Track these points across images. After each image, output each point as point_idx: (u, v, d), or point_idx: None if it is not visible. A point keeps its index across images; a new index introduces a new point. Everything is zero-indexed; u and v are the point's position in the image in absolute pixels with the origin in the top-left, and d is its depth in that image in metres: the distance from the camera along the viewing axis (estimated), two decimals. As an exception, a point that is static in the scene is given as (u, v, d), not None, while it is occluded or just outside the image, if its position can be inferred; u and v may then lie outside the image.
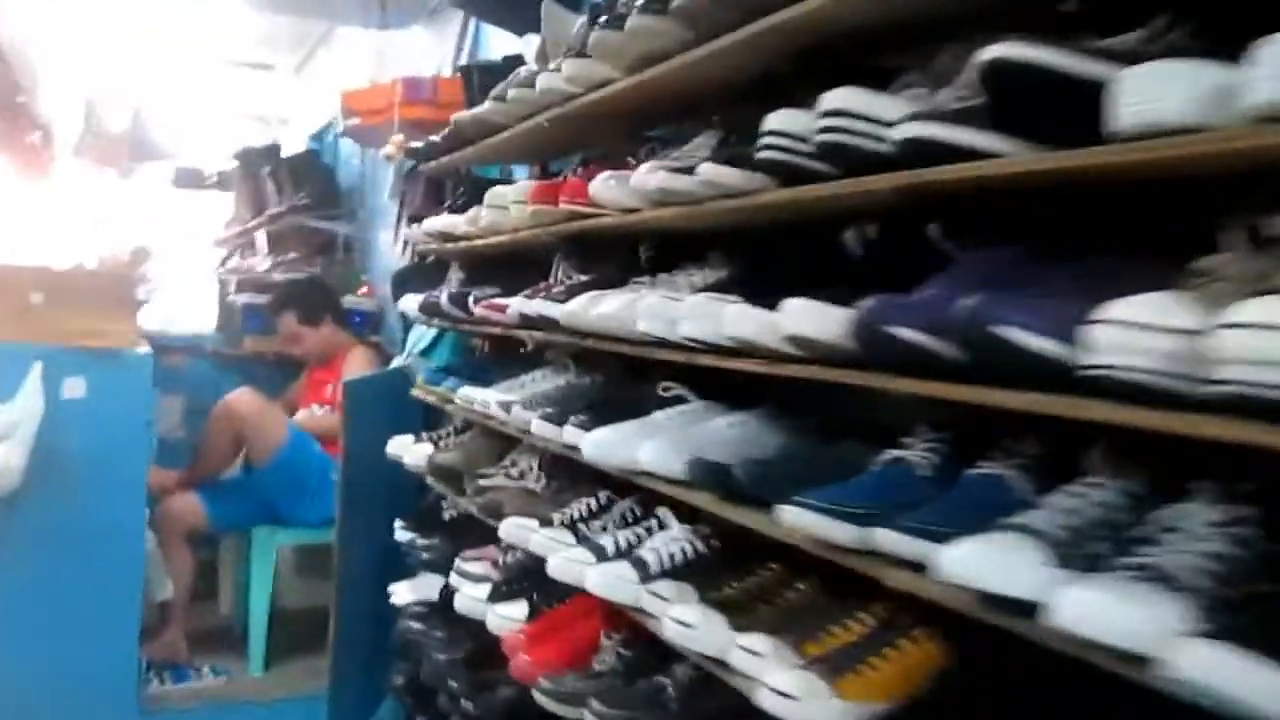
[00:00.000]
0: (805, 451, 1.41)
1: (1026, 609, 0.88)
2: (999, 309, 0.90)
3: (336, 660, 3.07)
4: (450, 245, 2.62)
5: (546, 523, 1.92)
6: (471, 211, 2.42)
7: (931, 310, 0.99)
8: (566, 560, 1.71)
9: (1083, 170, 0.92)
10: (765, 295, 1.34)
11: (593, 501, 1.98)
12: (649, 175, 1.51)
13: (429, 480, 2.67)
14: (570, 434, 1.73)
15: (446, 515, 2.77)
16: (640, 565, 1.61)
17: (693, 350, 1.47)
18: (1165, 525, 0.91)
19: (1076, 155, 0.89)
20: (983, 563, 0.90)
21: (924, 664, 1.20)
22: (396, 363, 3.72)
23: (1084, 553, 0.91)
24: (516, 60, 2.50)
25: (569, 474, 2.22)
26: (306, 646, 3.63)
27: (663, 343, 1.51)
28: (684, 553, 1.63)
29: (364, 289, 4.72)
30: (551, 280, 2.14)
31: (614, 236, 1.93)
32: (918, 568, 1.04)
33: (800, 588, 1.46)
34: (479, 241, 2.39)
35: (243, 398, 3.61)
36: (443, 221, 2.54)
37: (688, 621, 1.39)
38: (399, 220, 3.87)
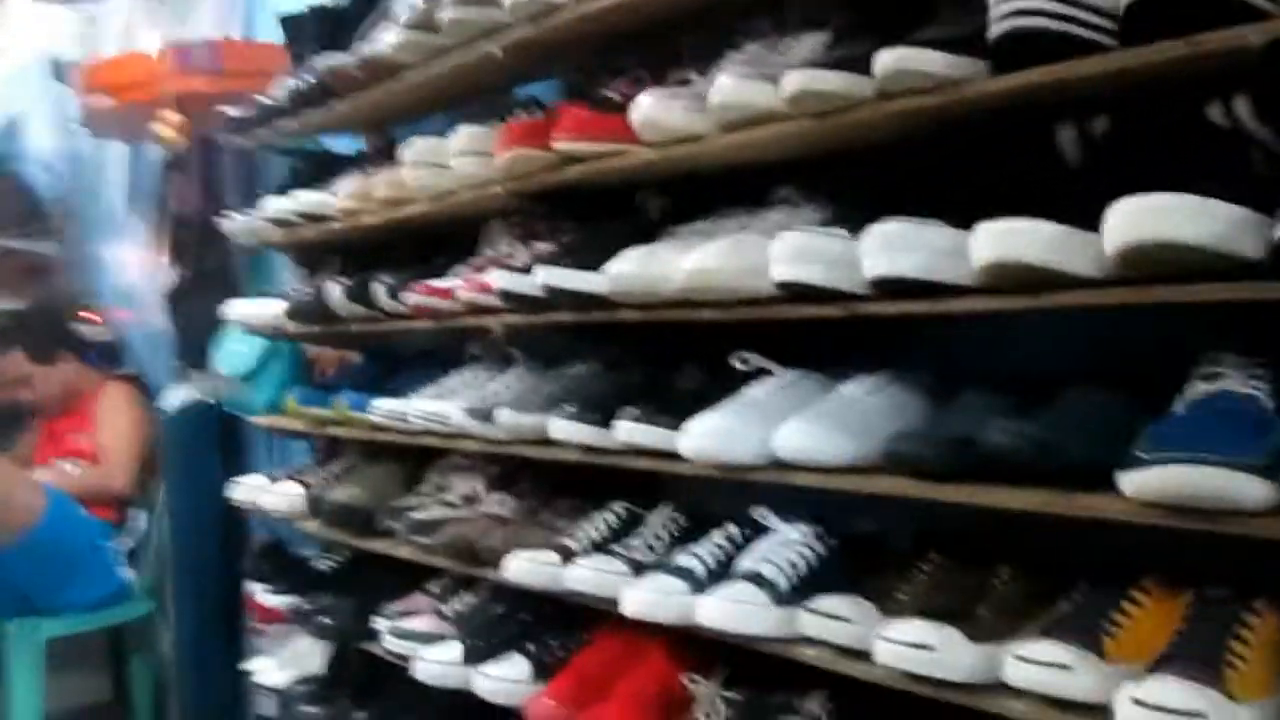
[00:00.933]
0: (1010, 411, 1.13)
1: None
2: None
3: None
4: (297, 233, 2.10)
5: (567, 554, 1.52)
6: (354, 182, 1.93)
7: None
8: (652, 594, 1.34)
9: None
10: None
11: (608, 517, 1.61)
12: (769, 81, 1.17)
13: (306, 526, 2.15)
14: (632, 431, 1.35)
15: (324, 566, 2.26)
16: (762, 583, 1.27)
17: (856, 299, 1.15)
18: None
19: None
20: None
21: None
22: (175, 397, 3.06)
23: None
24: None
25: (532, 491, 1.83)
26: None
27: (806, 293, 1.17)
28: (806, 560, 1.31)
29: (92, 315, 3.90)
30: (495, 253, 1.73)
31: (603, 189, 1.57)
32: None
33: (1003, 577, 1.19)
34: (367, 219, 1.91)
35: (-21, 461, 2.81)
36: (302, 201, 2.03)
37: (922, 642, 1.07)
38: (161, 225, 3.19)
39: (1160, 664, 0.94)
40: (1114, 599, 1.07)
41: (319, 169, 2.19)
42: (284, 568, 2.33)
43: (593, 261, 1.42)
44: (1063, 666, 0.98)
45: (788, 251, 1.15)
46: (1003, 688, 1.04)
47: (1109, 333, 1.14)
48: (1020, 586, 1.18)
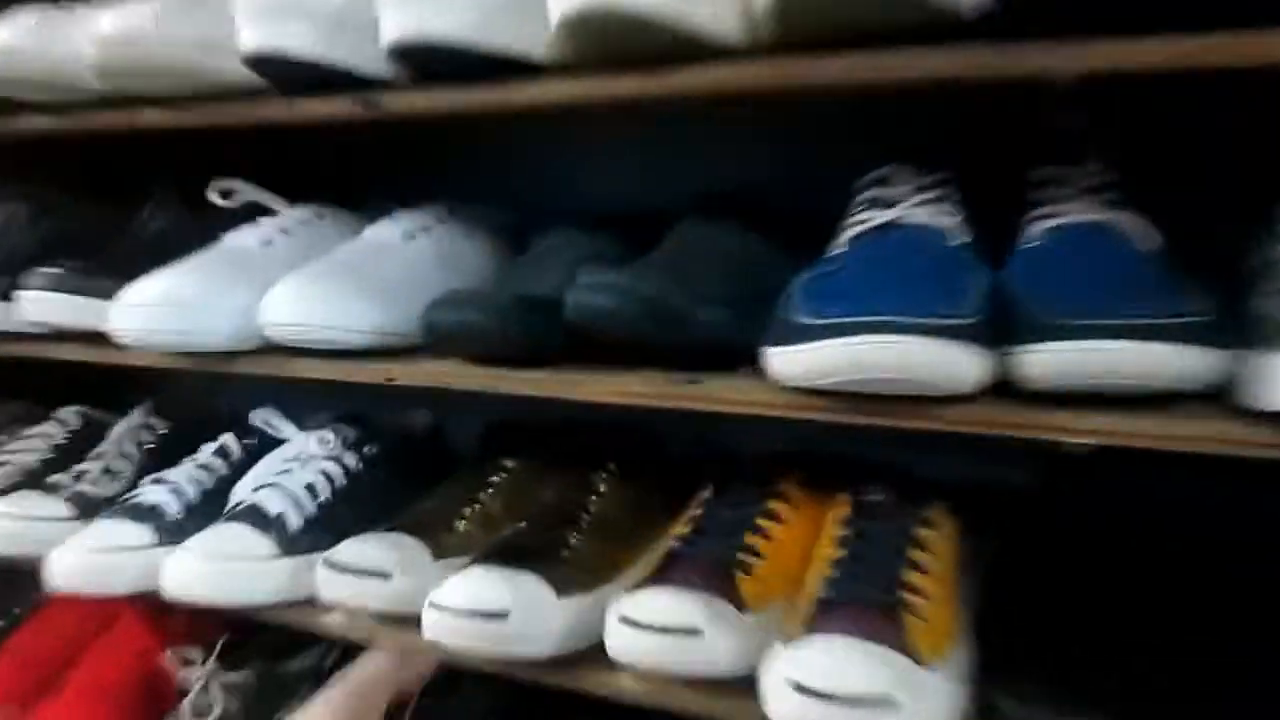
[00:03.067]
0: (605, 255, 0.78)
1: None
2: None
3: None
4: None
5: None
6: None
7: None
8: (93, 554, 0.87)
9: None
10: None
11: (50, 430, 1.10)
12: None
13: None
14: (47, 302, 0.85)
15: None
16: (264, 522, 0.86)
17: (369, 87, 0.73)
18: None
19: None
20: None
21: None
22: None
23: None
24: None
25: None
26: None
27: (287, 73, 0.73)
28: (330, 481, 0.91)
29: None
30: None
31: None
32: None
33: (599, 488, 0.86)
34: None
35: None
36: None
37: (490, 609, 0.71)
38: None
39: (821, 618, 0.64)
40: (748, 511, 0.77)
41: None
42: None
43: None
44: (691, 632, 0.67)
45: (259, 4, 0.69)
46: (602, 657, 0.72)
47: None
48: (621, 498, 0.85)
